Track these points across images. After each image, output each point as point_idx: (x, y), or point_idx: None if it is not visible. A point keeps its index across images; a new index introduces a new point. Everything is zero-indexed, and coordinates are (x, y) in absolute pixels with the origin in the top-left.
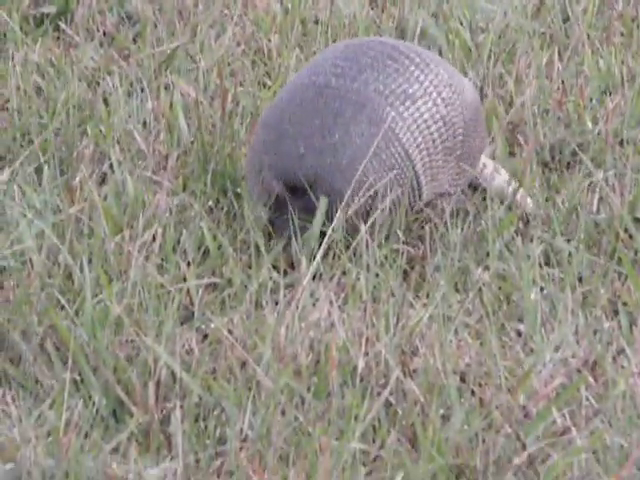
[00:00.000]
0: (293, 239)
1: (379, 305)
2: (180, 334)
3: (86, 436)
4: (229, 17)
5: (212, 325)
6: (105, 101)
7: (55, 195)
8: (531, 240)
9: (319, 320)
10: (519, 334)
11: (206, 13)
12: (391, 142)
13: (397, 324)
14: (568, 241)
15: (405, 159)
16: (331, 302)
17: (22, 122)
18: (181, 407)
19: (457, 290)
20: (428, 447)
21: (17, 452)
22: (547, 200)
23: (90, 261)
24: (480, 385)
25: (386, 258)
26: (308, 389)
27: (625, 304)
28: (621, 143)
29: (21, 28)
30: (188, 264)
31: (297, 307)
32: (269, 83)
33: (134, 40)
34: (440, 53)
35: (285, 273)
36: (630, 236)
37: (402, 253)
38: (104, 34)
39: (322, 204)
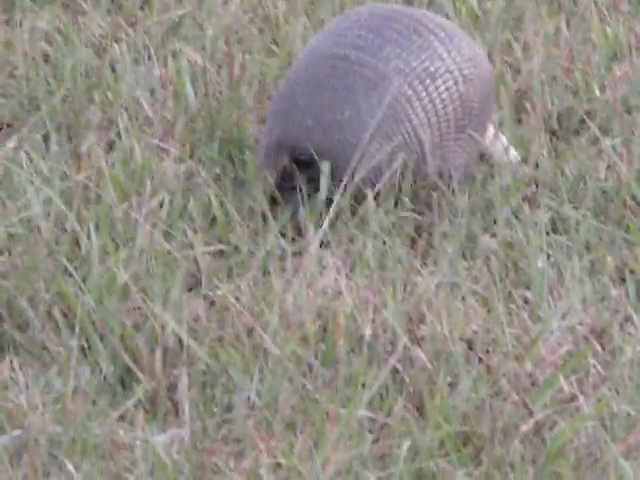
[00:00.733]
0: (300, 207)
1: (386, 272)
2: (187, 301)
3: (93, 403)
4: None
5: (219, 292)
6: (112, 68)
7: (62, 162)
8: (538, 207)
9: (326, 287)
10: (526, 301)
11: None
12: (402, 123)
13: (404, 291)
14: (575, 208)
15: (414, 140)
16: (338, 269)
17: (29, 89)
18: (188, 374)
19: (464, 257)
20: (435, 414)
21: (24, 419)
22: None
23: (97, 228)
24: (487, 352)
25: (393, 225)
26: (315, 356)
27: (632, 272)
28: (629, 111)
29: None
30: (195, 231)
31: (304, 274)
32: (276, 50)
33: (141, 7)
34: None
35: (292, 240)
36: (637, 203)
37: (409, 220)
38: (112, 1)
39: (325, 168)
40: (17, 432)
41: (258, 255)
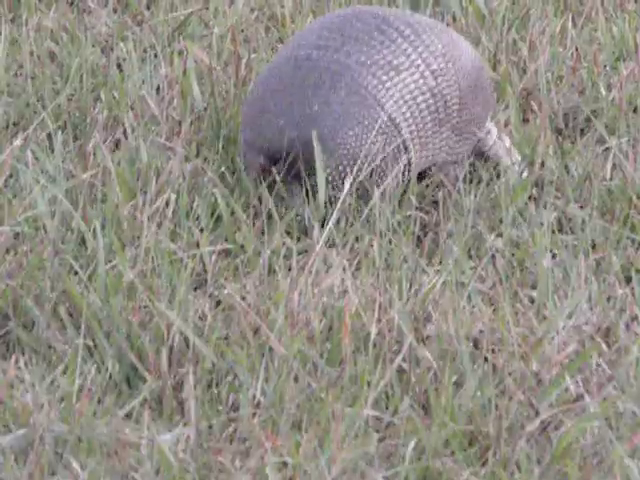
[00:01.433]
0: (306, 206)
1: (392, 272)
2: (193, 300)
3: (99, 402)
4: None
5: (225, 291)
6: (119, 67)
7: (68, 161)
8: (544, 207)
9: (332, 286)
10: (532, 301)
11: None
12: (373, 109)
13: (410, 290)
14: (581, 208)
15: (390, 125)
16: (344, 268)
17: (36, 88)
18: (194, 373)
19: (470, 256)
20: (441, 414)
21: (30, 417)
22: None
23: (103, 227)
24: (493, 352)
25: (399, 224)
26: (321, 355)
27: (638, 271)
28: (635, 110)
29: None
30: (201, 230)
31: (310, 273)
32: None
33: (148, 6)
34: (454, 19)
35: (298, 239)
36: None
37: (415, 219)
38: (118, 0)
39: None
40: (23, 431)
41: (264, 254)
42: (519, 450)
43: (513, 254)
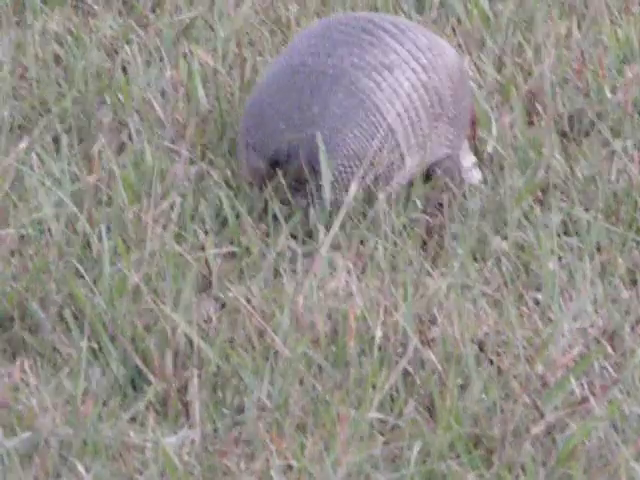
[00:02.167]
0: (311, 209)
1: (397, 274)
2: (198, 303)
3: (104, 405)
4: None
5: (230, 294)
6: (124, 70)
7: (73, 164)
8: (550, 209)
9: (337, 289)
10: (537, 303)
11: None
12: (370, 111)
13: (415, 293)
14: (587, 210)
15: (386, 129)
16: (349, 271)
17: (41, 91)
18: (199, 376)
19: (475, 259)
20: (446, 416)
21: (35, 420)
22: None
23: (108, 230)
24: (498, 354)
25: (404, 227)
26: (326, 358)
27: None
28: None
29: None
30: (206, 233)
31: (315, 276)
32: None
33: (153, 9)
34: (459, 22)
35: (303, 242)
36: None
37: (420, 222)
38: (123, 3)
39: (325, 171)
40: (28, 434)
41: (269, 257)
42: (524, 453)
43: (518, 257)
